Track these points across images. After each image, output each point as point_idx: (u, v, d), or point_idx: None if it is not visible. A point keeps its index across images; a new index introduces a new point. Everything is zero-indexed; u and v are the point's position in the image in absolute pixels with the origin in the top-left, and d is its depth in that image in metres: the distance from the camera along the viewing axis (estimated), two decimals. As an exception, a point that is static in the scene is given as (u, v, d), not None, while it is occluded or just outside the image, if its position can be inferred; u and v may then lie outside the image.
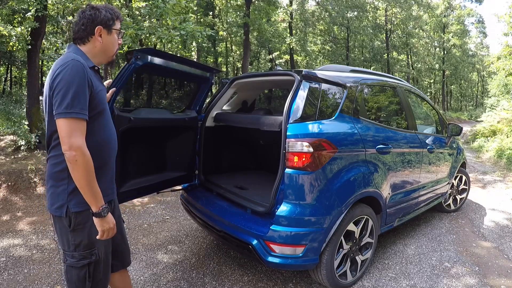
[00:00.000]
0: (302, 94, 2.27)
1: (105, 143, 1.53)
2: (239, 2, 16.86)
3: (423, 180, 3.41)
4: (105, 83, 1.95)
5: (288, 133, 2.16)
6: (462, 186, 4.53)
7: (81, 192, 1.38)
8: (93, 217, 1.42)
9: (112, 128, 1.60)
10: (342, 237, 2.41)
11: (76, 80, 1.33)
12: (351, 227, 2.47)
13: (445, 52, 31.39)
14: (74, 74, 1.33)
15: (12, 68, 15.49)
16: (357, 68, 3.09)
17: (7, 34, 5.35)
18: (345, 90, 2.55)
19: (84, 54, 1.49)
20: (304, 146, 2.13)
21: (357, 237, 2.57)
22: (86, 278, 1.48)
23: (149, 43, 8.06)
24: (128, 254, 1.83)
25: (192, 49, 18.31)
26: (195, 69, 2.82)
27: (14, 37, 5.51)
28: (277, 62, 20.09)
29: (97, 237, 1.45)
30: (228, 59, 22.94)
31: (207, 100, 3.35)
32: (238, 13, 16.73)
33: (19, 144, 5.45)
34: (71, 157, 1.32)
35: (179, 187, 3.18)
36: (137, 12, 6.48)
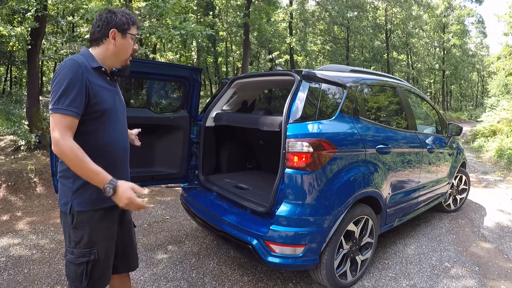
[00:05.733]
0: (302, 94, 2.27)
1: (109, 144, 1.52)
2: (239, 2, 16.86)
3: (423, 180, 3.41)
4: None
5: (288, 133, 2.16)
6: (462, 186, 4.53)
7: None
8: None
9: (120, 129, 1.58)
10: (342, 237, 2.41)
11: (67, 78, 1.36)
12: (351, 227, 2.47)
13: (445, 52, 31.36)
14: (67, 73, 1.37)
15: (12, 68, 15.47)
16: (357, 68, 3.08)
17: (7, 34, 5.35)
18: (345, 90, 2.54)
19: (92, 56, 1.51)
20: (304, 146, 2.13)
21: (357, 237, 2.57)
22: (83, 275, 1.50)
23: (149, 43, 8.06)
24: (135, 259, 1.81)
25: (192, 48, 18.31)
26: (167, 69, 2.93)
27: (14, 37, 5.51)
28: (277, 62, 20.07)
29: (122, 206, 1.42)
30: (228, 59, 22.94)
31: (207, 100, 3.37)
32: (238, 13, 16.72)
33: (19, 144, 5.45)
34: (57, 153, 1.35)
35: (178, 187, 3.19)
36: (137, 12, 6.48)
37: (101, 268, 1.55)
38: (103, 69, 1.51)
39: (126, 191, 1.39)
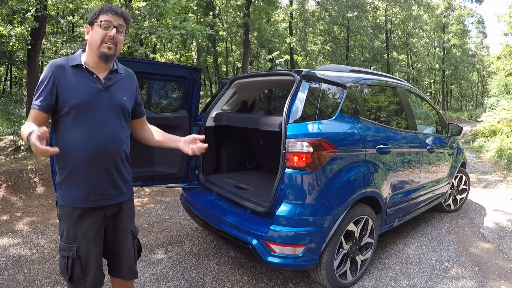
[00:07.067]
0: (302, 94, 2.27)
1: (76, 143, 1.47)
2: (239, 2, 16.87)
3: (423, 180, 3.41)
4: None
5: (288, 133, 2.16)
6: (462, 186, 4.53)
7: None
8: None
9: (92, 129, 1.49)
10: (342, 237, 2.41)
11: (40, 78, 1.50)
12: (351, 227, 2.47)
13: (445, 52, 31.36)
14: (42, 74, 1.50)
15: (12, 68, 15.49)
16: (357, 68, 3.08)
17: (7, 34, 5.36)
18: (345, 90, 2.54)
19: (78, 56, 1.56)
20: (304, 146, 2.13)
21: (357, 237, 2.57)
22: (64, 269, 1.55)
23: (149, 43, 8.06)
24: (125, 268, 1.71)
25: (192, 48, 18.32)
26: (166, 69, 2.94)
27: (14, 37, 5.52)
28: (277, 62, 20.08)
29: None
30: (228, 59, 22.95)
31: (207, 100, 3.38)
32: (238, 13, 16.72)
33: (19, 144, 5.44)
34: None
35: (178, 187, 3.19)
36: (137, 12, 6.48)
37: (82, 269, 1.55)
38: (83, 66, 1.53)
39: (35, 142, 1.19)
